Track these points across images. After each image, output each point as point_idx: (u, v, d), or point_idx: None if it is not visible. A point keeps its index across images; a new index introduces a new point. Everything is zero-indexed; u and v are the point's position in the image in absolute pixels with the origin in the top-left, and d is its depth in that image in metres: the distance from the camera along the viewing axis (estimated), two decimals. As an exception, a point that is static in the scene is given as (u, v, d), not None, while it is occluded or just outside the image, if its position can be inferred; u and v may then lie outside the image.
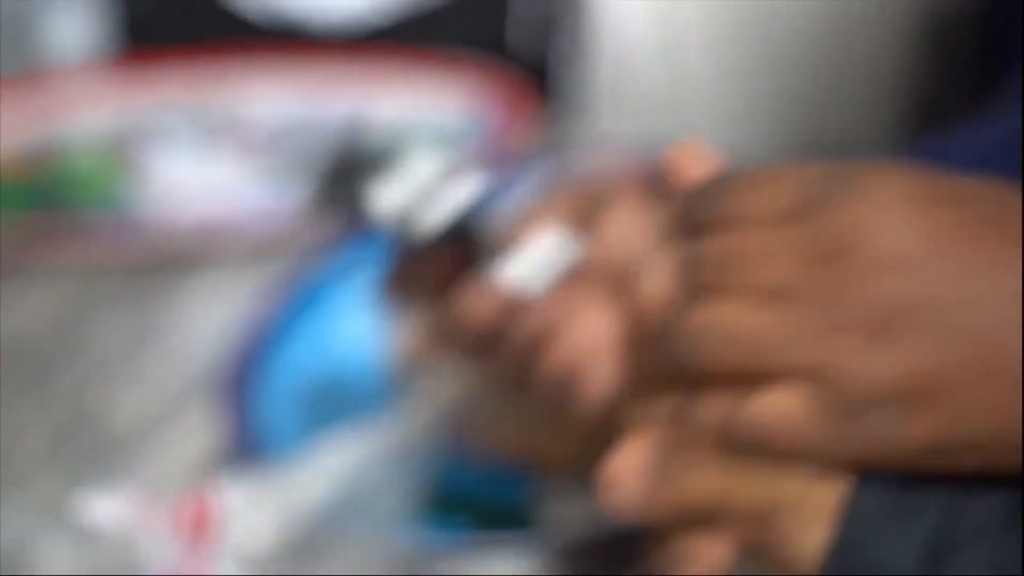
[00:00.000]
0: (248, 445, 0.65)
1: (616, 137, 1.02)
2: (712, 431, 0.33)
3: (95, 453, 0.69)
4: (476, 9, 1.43)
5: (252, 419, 0.67)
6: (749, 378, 0.32)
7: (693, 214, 0.34)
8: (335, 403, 0.68)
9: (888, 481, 0.32)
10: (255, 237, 0.89)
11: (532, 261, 0.37)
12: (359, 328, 0.70)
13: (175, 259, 0.85)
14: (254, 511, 0.59)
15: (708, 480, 0.33)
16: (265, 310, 0.73)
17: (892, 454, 0.32)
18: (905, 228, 0.31)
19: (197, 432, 0.68)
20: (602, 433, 0.36)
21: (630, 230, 0.36)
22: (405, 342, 0.47)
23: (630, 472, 0.34)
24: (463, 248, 0.38)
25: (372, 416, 0.60)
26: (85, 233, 0.89)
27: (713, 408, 0.33)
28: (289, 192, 0.98)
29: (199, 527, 0.60)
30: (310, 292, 0.76)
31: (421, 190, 0.38)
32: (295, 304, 0.75)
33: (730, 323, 0.32)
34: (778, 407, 0.32)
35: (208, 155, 1.04)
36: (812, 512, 0.32)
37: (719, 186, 0.35)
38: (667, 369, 0.34)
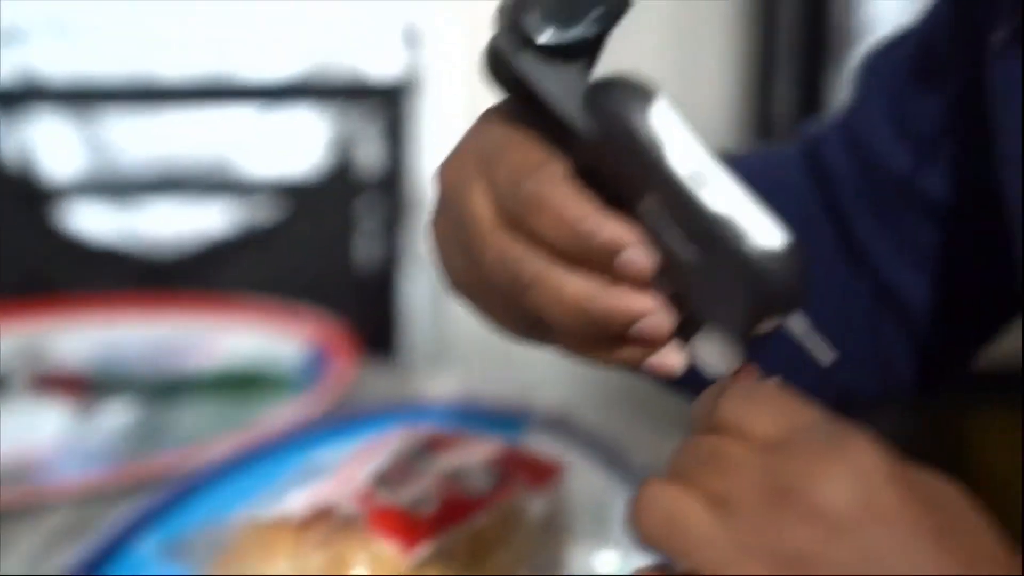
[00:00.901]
0: None
1: (446, 385, 1.07)
2: None
3: None
4: (320, 226, 1.51)
5: None
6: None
7: (708, 414, 0.39)
8: None
9: None
10: (70, 483, 0.88)
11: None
12: None
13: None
14: None
15: None
16: (73, 564, 0.74)
17: None
18: (857, 495, 0.34)
19: None
20: None
21: None
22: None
23: None
24: None
25: None
26: None
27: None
28: (109, 430, 0.98)
29: None
30: (112, 546, 0.76)
31: None
32: (96, 560, 0.75)
33: (672, 508, 0.36)
34: None
35: (25, 397, 1.05)
36: None
37: (733, 393, 0.39)
38: None
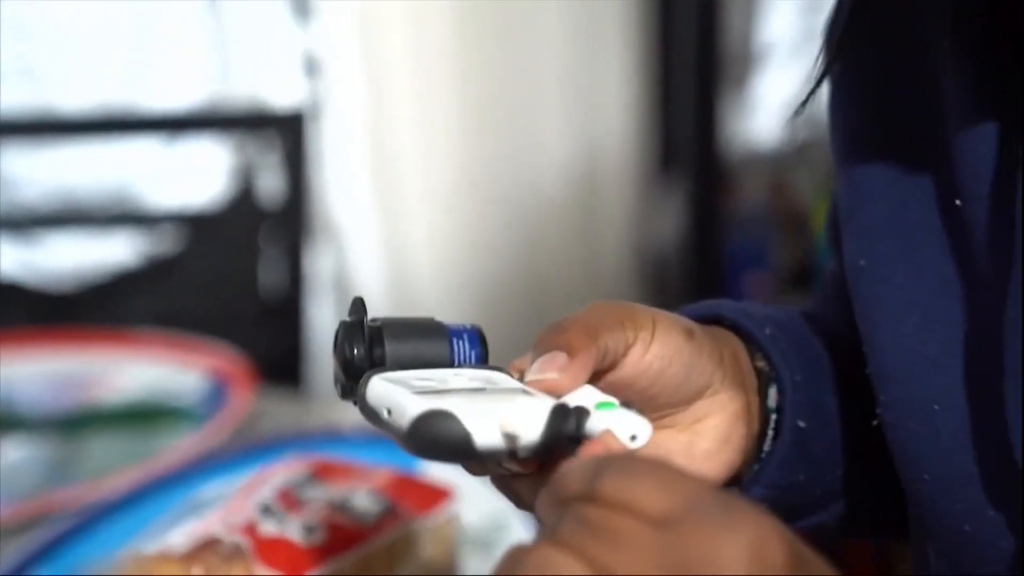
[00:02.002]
0: None
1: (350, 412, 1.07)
2: None
3: None
4: (224, 254, 1.52)
5: None
6: None
7: (578, 482, 0.39)
8: None
9: None
10: None
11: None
12: None
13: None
14: None
15: None
16: None
17: None
18: (755, 570, 0.35)
19: None
20: None
21: None
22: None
23: None
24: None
25: None
26: None
27: None
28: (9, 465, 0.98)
29: None
30: None
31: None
32: None
33: (554, 571, 0.37)
34: None
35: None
36: None
37: (614, 465, 0.39)
38: None
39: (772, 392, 0.56)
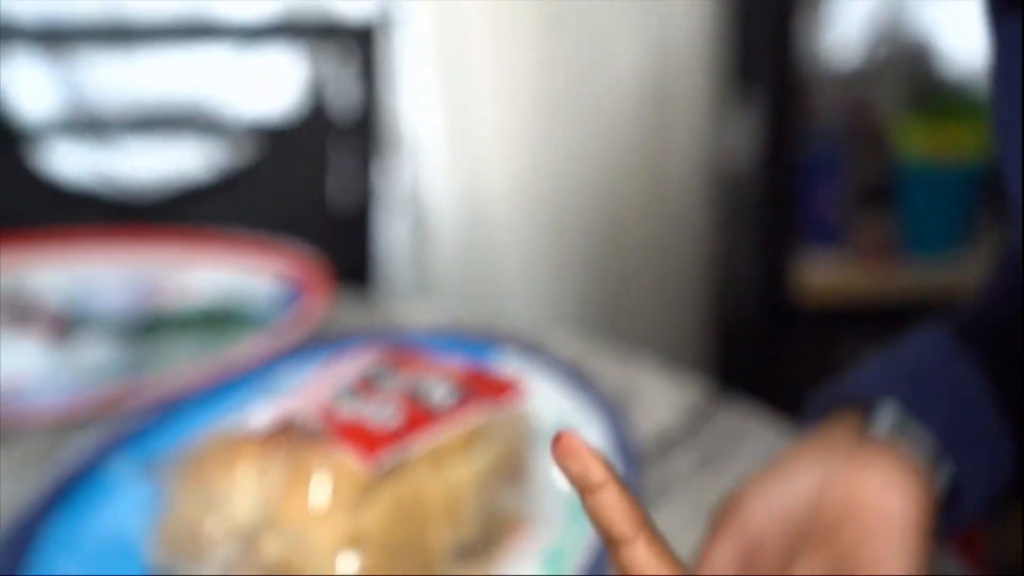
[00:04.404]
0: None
1: (421, 315, 1.08)
2: None
3: None
4: (296, 167, 1.52)
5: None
6: None
7: None
8: None
9: None
10: (51, 410, 0.90)
11: None
12: (134, 503, 0.74)
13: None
14: None
15: None
16: (48, 482, 0.76)
17: None
18: None
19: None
20: None
21: None
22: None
23: None
24: None
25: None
26: None
27: None
28: (84, 363, 0.99)
29: None
30: (87, 466, 0.78)
31: None
32: (70, 479, 0.77)
33: None
34: None
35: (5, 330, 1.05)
36: None
37: None
38: None
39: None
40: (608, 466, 0.42)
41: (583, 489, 0.42)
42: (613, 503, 0.42)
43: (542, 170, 1.73)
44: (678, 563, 0.42)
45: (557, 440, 0.42)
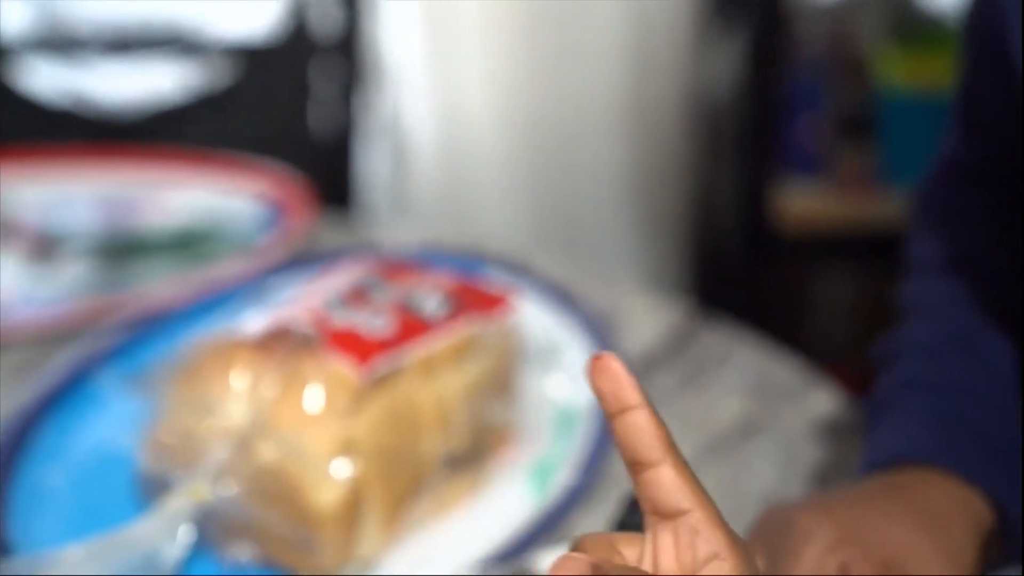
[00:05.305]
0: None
1: (403, 237, 1.07)
2: None
3: None
4: (276, 89, 1.50)
5: (3, 516, 0.66)
6: None
7: None
8: (90, 493, 0.70)
9: None
10: (33, 323, 0.89)
11: None
12: (121, 415, 0.74)
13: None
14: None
15: None
16: (34, 395, 0.76)
17: None
18: None
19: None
20: None
21: None
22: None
23: None
24: None
25: (126, 509, 0.66)
26: None
27: None
28: (65, 279, 0.98)
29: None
30: (73, 379, 0.78)
31: None
32: (56, 391, 0.77)
33: None
34: None
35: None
36: None
37: None
38: None
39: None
40: (640, 389, 0.42)
41: (614, 410, 0.42)
42: (644, 425, 0.42)
43: (522, 96, 1.72)
44: (702, 490, 0.42)
45: (594, 359, 0.42)
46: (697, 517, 0.42)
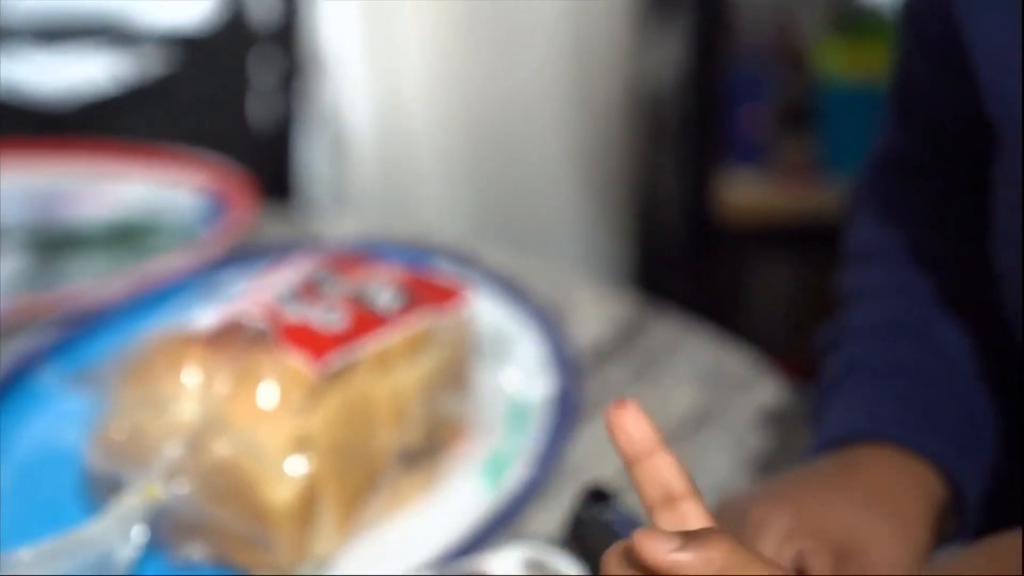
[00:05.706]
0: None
1: (346, 229, 1.06)
2: None
3: None
4: (213, 80, 1.48)
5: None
6: None
7: None
8: (37, 493, 0.69)
9: None
10: None
11: None
12: (65, 413, 0.72)
13: None
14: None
15: None
16: None
17: None
18: None
19: None
20: None
21: None
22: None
23: None
24: None
25: (75, 509, 0.65)
26: None
27: None
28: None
29: None
30: (13, 377, 0.76)
31: None
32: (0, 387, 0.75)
33: None
34: None
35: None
36: None
37: None
38: None
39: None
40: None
41: (641, 453, 0.43)
42: (669, 464, 0.43)
43: (461, 87, 1.72)
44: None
45: (619, 409, 0.43)
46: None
